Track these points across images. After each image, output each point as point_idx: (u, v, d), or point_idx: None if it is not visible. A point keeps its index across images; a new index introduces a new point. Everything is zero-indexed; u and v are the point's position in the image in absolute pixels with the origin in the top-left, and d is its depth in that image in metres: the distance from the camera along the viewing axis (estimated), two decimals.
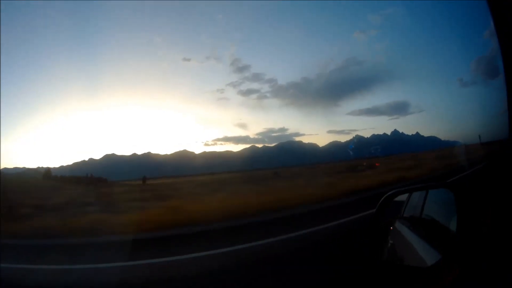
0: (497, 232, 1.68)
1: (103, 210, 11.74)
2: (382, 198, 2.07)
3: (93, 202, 14.03)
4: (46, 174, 24.11)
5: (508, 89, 1.76)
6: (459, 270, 1.52)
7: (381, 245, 2.28)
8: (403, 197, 2.61)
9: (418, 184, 3.72)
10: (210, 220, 8.03)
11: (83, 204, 13.23)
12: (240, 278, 4.10)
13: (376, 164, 23.27)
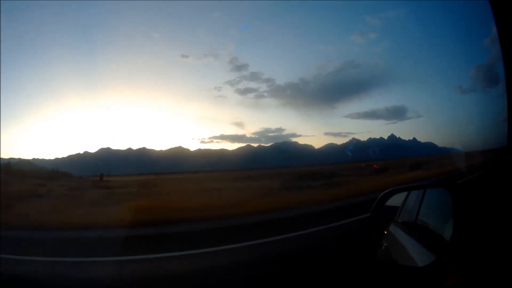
0: (494, 235, 1.69)
1: None
2: (380, 195, 2.06)
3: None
4: (5, 167, 23.52)
5: (509, 97, 1.76)
6: (457, 273, 1.52)
7: (377, 245, 2.28)
8: (398, 202, 2.62)
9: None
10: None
11: None
12: None
13: (375, 166, 23.21)
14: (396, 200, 2.42)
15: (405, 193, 2.50)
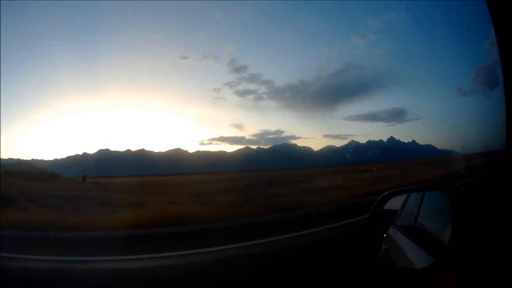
0: (493, 237, 1.69)
1: None
2: (379, 198, 2.06)
3: None
4: None
5: (507, 99, 1.77)
6: (455, 275, 1.52)
7: (376, 247, 2.28)
8: (397, 206, 2.61)
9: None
10: None
11: None
12: None
13: (374, 168, 23.27)
14: (395, 203, 2.42)
15: (404, 195, 2.50)
